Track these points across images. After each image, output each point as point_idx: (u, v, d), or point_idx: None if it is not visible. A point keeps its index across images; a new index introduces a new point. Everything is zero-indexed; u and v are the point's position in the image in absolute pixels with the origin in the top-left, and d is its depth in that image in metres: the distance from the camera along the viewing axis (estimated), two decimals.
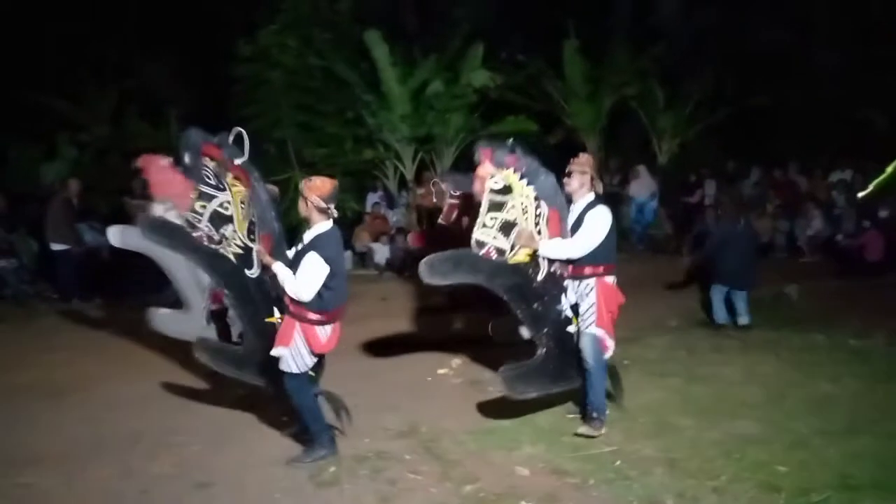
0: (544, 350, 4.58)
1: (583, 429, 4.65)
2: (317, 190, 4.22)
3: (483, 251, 4.38)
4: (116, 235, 4.72)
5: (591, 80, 12.53)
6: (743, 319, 7.33)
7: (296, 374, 4.29)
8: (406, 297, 8.58)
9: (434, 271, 4.24)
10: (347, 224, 11.51)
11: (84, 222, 9.64)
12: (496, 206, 4.41)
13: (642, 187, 13.08)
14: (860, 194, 11.65)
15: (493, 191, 4.42)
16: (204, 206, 4.49)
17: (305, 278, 4.13)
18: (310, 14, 11.46)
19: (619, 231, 12.36)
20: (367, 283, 9.76)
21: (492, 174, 4.39)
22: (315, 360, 4.35)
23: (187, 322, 4.74)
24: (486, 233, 4.39)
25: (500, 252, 4.41)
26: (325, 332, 4.26)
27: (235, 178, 4.53)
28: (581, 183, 4.70)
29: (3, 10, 13.18)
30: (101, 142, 13.00)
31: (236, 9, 12.78)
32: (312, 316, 4.21)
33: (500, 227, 4.39)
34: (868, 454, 4.16)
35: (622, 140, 14.36)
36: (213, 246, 4.49)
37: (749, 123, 13.90)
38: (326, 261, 4.12)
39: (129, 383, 5.80)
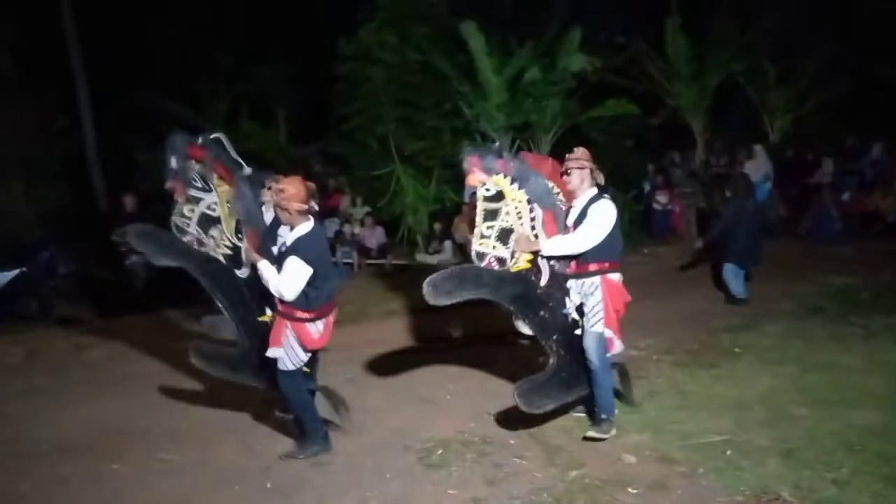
0: (556, 358, 4.47)
1: (591, 432, 4.48)
2: (295, 198, 4.18)
3: (484, 263, 4.29)
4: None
5: (695, 58, 12.03)
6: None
7: (289, 372, 4.38)
8: None
9: (438, 291, 4.09)
10: (447, 215, 11.69)
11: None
12: (491, 215, 4.30)
13: (758, 168, 12.49)
14: None
15: (486, 199, 4.30)
16: (192, 210, 4.63)
17: (287, 281, 4.18)
18: (407, 9, 11.69)
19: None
20: None
21: (482, 182, 4.25)
22: (308, 355, 4.42)
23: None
24: (485, 243, 4.30)
25: (501, 261, 4.30)
26: (316, 329, 4.34)
27: (220, 177, 4.61)
28: (581, 178, 4.51)
29: (122, 16, 14.23)
30: None
31: (339, 9, 13.20)
32: (301, 314, 4.28)
33: (498, 236, 4.29)
34: None
35: (729, 119, 13.75)
36: (203, 249, 4.64)
37: (871, 96, 12.95)
38: (308, 262, 4.15)
39: None
